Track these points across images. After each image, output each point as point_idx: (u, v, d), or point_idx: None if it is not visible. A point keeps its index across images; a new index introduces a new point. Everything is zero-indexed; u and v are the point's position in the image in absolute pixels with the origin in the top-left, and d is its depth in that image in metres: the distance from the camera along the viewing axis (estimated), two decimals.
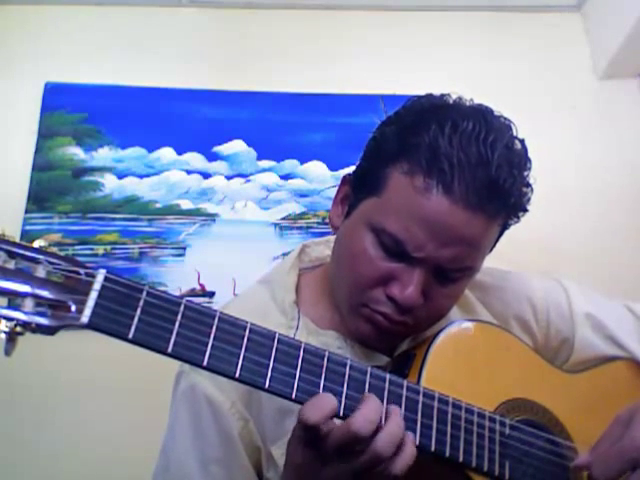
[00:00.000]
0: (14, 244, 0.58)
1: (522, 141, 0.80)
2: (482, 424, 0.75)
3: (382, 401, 0.68)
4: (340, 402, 0.67)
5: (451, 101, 0.83)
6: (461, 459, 0.72)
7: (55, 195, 1.83)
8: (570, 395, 0.88)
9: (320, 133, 1.95)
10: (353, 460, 0.64)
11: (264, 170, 1.91)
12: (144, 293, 0.61)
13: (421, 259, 0.75)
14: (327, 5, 2.11)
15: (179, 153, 1.90)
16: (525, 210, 0.81)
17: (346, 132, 1.94)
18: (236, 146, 1.92)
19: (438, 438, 0.71)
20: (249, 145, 1.93)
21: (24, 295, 0.57)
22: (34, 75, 1.94)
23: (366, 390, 0.69)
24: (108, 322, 0.59)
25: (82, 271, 0.59)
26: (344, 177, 0.88)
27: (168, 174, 1.88)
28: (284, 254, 1.78)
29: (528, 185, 0.80)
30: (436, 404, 0.73)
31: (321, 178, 1.91)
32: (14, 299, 0.57)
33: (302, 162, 1.92)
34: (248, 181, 1.90)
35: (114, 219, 1.83)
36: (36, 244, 0.59)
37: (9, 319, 0.56)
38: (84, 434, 1.58)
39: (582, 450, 0.82)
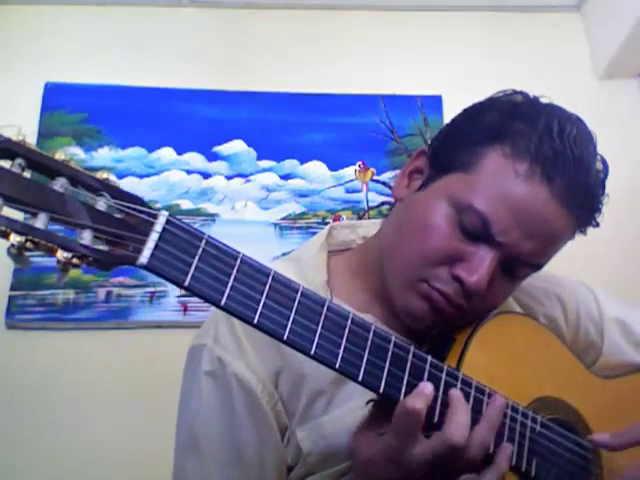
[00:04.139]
0: (78, 172, 0.56)
1: (604, 161, 0.82)
2: (515, 418, 0.75)
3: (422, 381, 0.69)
4: (381, 378, 0.67)
5: (548, 103, 0.84)
6: (491, 450, 0.72)
7: None
8: (601, 400, 0.88)
9: (320, 133, 1.94)
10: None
11: (264, 170, 1.91)
12: (203, 242, 0.60)
13: (502, 244, 0.74)
14: (327, 5, 2.11)
15: (179, 153, 1.90)
16: (596, 225, 0.83)
17: (346, 132, 1.94)
18: (236, 146, 1.92)
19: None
20: (249, 145, 1.92)
21: (83, 227, 0.55)
22: (34, 75, 1.93)
23: (407, 368, 0.69)
24: (166, 265, 0.58)
25: (144, 210, 0.58)
26: (421, 150, 0.86)
27: (168, 174, 1.88)
28: (284, 254, 1.78)
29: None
30: (473, 392, 0.73)
31: (321, 178, 1.91)
32: (73, 229, 0.55)
33: (302, 162, 1.91)
34: (248, 181, 1.90)
35: None
36: (99, 175, 0.57)
37: (67, 249, 0.53)
38: (84, 435, 1.58)
39: (606, 458, 0.82)
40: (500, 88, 0.85)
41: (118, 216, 0.57)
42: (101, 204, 0.56)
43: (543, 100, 0.84)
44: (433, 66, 2.03)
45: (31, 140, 1.93)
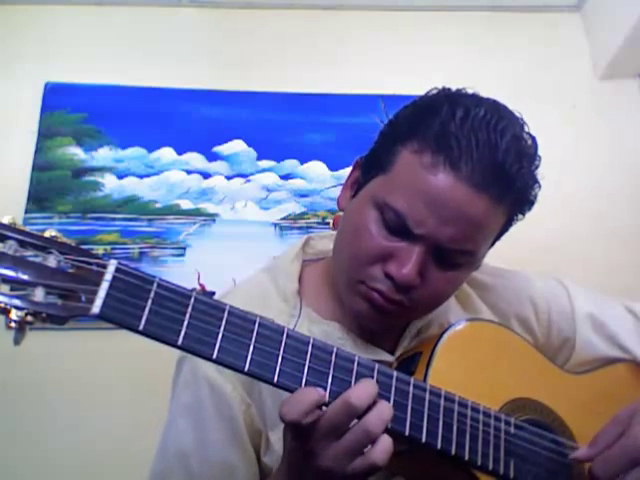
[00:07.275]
0: (26, 233, 0.58)
1: (533, 138, 0.82)
2: (488, 423, 0.76)
3: (390, 398, 0.69)
4: None
5: (466, 92, 0.84)
6: (466, 457, 0.72)
7: (55, 195, 1.83)
8: (574, 396, 0.88)
9: (320, 133, 1.95)
10: (341, 441, 0.63)
11: (264, 170, 1.91)
12: (155, 285, 0.61)
13: (421, 236, 0.75)
14: (327, 5, 2.11)
15: (179, 153, 1.90)
16: (532, 204, 0.82)
17: (346, 132, 1.94)
18: (236, 146, 1.92)
19: (444, 436, 0.71)
20: (249, 145, 1.93)
21: (35, 284, 0.56)
22: (34, 75, 1.94)
23: None
24: (119, 313, 0.58)
25: (93, 261, 0.59)
26: (356, 161, 0.89)
27: (168, 174, 1.88)
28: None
29: (536, 181, 0.81)
30: (442, 402, 0.73)
31: (321, 178, 1.91)
32: (25, 288, 0.57)
33: (302, 162, 1.92)
34: (248, 181, 1.90)
35: (114, 219, 1.83)
36: (47, 234, 0.59)
37: (20, 308, 0.55)
38: (84, 434, 1.58)
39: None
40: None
41: (69, 270, 0.59)
42: (51, 261, 0.58)
43: (467, 91, 0.83)
44: (433, 66, 2.03)
45: (31, 140, 1.91)
